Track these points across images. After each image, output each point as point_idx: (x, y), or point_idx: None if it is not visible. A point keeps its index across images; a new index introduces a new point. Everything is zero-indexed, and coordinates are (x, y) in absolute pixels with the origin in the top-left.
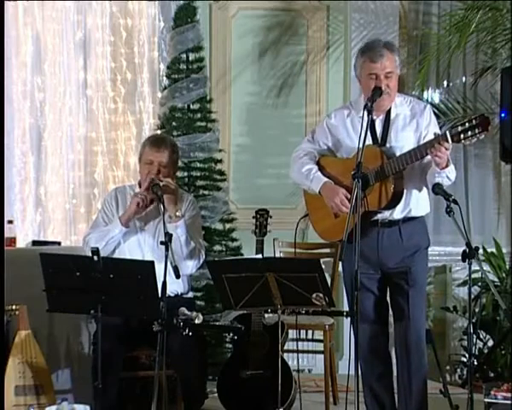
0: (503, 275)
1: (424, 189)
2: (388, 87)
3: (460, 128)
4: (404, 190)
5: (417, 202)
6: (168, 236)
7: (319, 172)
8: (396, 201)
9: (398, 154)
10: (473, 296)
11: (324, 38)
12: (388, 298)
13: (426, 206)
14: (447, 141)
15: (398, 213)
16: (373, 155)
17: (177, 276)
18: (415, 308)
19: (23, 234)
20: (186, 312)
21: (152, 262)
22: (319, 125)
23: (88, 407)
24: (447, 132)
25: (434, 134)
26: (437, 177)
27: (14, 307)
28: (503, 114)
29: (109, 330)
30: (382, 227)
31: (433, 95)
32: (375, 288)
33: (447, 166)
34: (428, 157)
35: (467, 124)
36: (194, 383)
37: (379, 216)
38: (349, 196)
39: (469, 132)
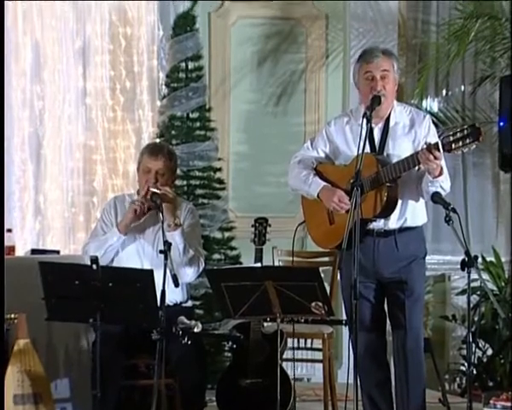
0: (502, 284)
1: (421, 199)
2: (384, 89)
3: (451, 138)
4: (400, 200)
5: (413, 212)
6: (167, 244)
7: (317, 177)
8: (389, 209)
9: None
10: (472, 305)
11: (323, 46)
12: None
13: (422, 216)
14: (438, 150)
15: (393, 222)
16: (368, 162)
17: (176, 285)
18: (411, 318)
19: (22, 242)
20: (185, 320)
21: (151, 271)
22: (319, 133)
23: None
24: (439, 141)
25: (425, 143)
26: (430, 186)
27: (12, 315)
28: (501, 123)
29: (108, 339)
30: (378, 237)
31: (432, 104)
32: (372, 296)
33: (440, 175)
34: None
35: (458, 134)
36: (193, 391)
37: (374, 225)
38: (347, 197)
39: (460, 142)
